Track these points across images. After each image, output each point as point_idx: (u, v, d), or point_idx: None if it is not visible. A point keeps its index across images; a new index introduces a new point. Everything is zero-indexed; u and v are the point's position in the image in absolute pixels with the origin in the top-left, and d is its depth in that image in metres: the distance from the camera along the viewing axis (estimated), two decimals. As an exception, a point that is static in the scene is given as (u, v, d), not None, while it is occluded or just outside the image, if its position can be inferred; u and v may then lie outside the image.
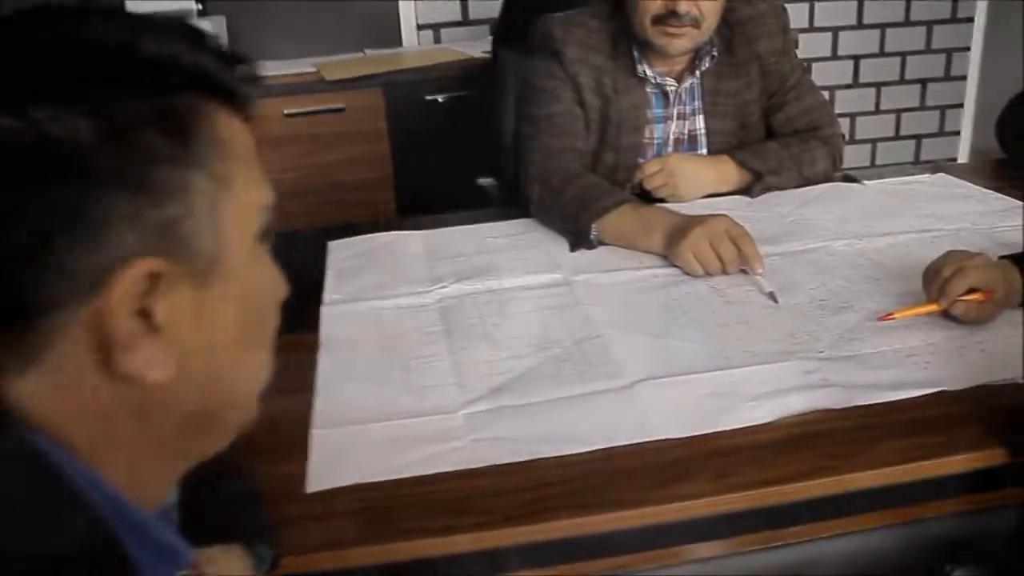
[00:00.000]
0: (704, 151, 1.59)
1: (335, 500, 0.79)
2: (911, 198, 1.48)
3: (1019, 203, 1.41)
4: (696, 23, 1.44)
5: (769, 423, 0.85)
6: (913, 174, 1.61)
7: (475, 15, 3.03)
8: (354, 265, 1.33)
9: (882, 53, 3.45)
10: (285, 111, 2.56)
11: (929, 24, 3.43)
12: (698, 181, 1.51)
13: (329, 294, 1.23)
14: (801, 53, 3.24)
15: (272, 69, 2.74)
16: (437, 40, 3.05)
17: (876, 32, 3.41)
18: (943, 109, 3.60)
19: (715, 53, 1.53)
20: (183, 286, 0.44)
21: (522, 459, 0.82)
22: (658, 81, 1.53)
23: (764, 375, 0.94)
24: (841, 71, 3.45)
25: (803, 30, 3.30)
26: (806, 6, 3.31)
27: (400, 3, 3.00)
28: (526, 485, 0.79)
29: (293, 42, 2.93)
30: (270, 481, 0.82)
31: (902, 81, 3.51)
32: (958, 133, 3.65)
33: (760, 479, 0.78)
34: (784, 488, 0.77)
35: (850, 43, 3.41)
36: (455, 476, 0.80)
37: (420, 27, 3.03)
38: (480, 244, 1.38)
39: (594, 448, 0.83)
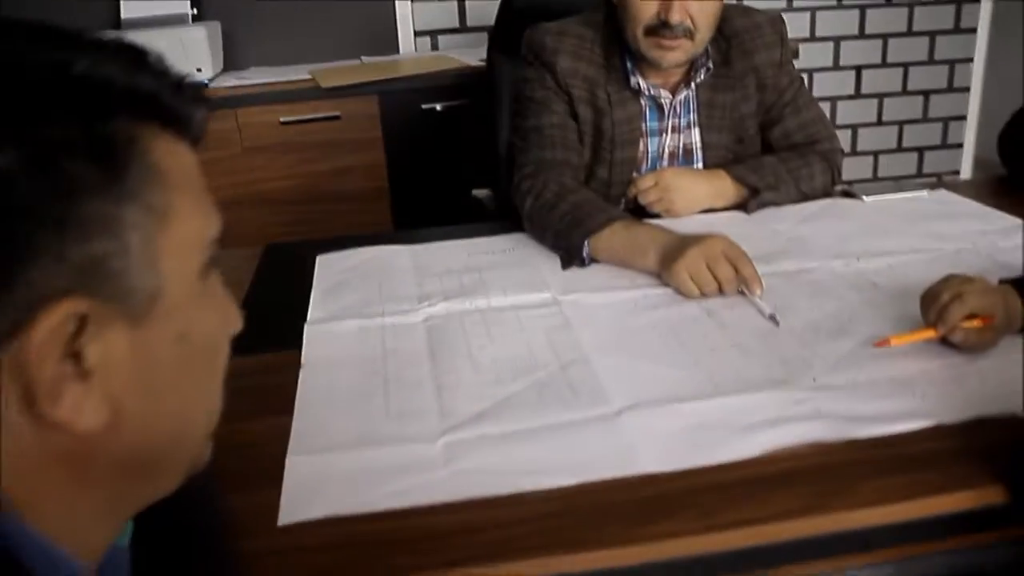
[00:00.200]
0: (700, 165, 1.56)
1: (306, 535, 0.76)
2: (911, 216, 1.45)
3: (1020, 221, 1.38)
4: (690, 34, 1.41)
5: (757, 457, 0.82)
6: (914, 189, 1.59)
7: (473, 22, 3.00)
8: (342, 280, 1.31)
9: (884, 64, 3.42)
10: (280, 119, 2.53)
11: (932, 34, 3.40)
12: (693, 196, 1.48)
13: (313, 311, 1.21)
14: (802, 63, 3.24)
15: (267, 76, 2.73)
16: (435, 47, 3.03)
17: (878, 42, 3.38)
18: (946, 121, 3.57)
19: (711, 65, 1.50)
20: (117, 326, 0.41)
21: (502, 492, 0.79)
22: (652, 93, 1.50)
23: (754, 404, 0.91)
24: (843, 82, 3.42)
25: (804, 40, 3.27)
26: (807, 15, 3.28)
27: (397, 9, 2.97)
28: (503, 520, 0.76)
29: (289, 48, 2.91)
30: (243, 511, 0.79)
31: (904, 92, 3.48)
32: (961, 145, 3.62)
33: (747, 517, 0.75)
34: (767, 528, 0.74)
35: (852, 53, 3.38)
36: (430, 511, 0.77)
37: (417, 34, 3.00)
38: (470, 260, 1.36)
39: (576, 482, 0.80)
